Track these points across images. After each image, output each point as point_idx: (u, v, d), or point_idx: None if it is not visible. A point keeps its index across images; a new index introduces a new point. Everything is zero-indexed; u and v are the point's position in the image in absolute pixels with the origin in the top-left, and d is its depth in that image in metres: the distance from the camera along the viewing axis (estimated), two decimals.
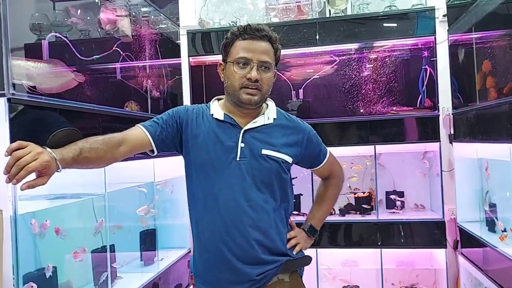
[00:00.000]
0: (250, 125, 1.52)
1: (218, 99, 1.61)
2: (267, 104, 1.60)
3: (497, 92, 2.28)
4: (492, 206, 2.56)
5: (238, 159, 1.47)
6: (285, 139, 1.55)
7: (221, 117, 1.52)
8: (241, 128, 1.51)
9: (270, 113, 1.57)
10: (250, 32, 1.47)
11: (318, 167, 1.70)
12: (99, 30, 2.03)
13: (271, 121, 1.55)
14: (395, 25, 3.08)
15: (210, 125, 1.52)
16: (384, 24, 3.10)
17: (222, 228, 1.46)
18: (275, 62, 1.53)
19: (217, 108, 1.56)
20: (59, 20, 1.80)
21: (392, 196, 3.28)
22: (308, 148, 1.61)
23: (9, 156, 1.14)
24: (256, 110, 1.55)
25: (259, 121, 1.53)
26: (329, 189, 1.77)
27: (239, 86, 1.47)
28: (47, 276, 1.50)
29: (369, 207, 3.26)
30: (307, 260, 1.64)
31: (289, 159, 1.54)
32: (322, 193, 1.78)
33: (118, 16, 2.07)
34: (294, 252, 1.60)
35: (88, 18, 1.94)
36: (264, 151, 1.49)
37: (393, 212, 3.22)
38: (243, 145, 1.48)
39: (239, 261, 1.46)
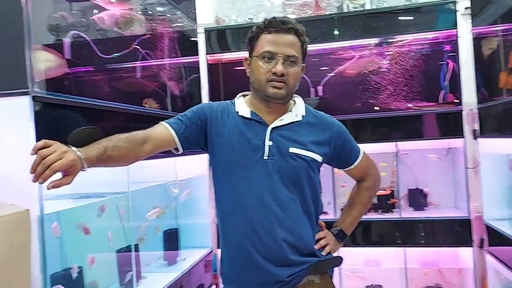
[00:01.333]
0: (277, 123, 1.47)
1: (244, 95, 1.57)
2: (295, 101, 1.55)
3: None
4: None
5: (266, 157, 1.43)
6: (313, 137, 1.49)
7: (247, 115, 1.48)
8: (268, 126, 1.46)
9: (298, 110, 1.52)
10: (275, 25, 1.42)
11: (350, 167, 1.63)
12: (116, 29, 2.02)
13: (299, 118, 1.50)
14: (415, 18, 3.01)
15: (236, 123, 1.48)
16: (404, 18, 3.03)
17: (249, 227, 1.42)
18: (302, 55, 1.47)
19: (242, 105, 1.51)
20: (76, 20, 1.80)
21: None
22: (337, 146, 1.55)
23: (35, 155, 1.13)
24: (283, 107, 1.50)
25: (287, 118, 1.48)
26: (362, 192, 1.69)
27: (265, 80, 1.42)
28: (74, 277, 1.49)
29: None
30: (338, 260, 1.58)
31: (318, 158, 1.48)
32: (354, 197, 1.70)
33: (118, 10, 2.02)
34: (324, 253, 1.54)
35: (106, 18, 1.93)
36: (292, 149, 1.44)
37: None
38: (270, 143, 1.44)
39: (267, 261, 1.41)
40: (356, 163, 1.62)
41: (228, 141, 1.46)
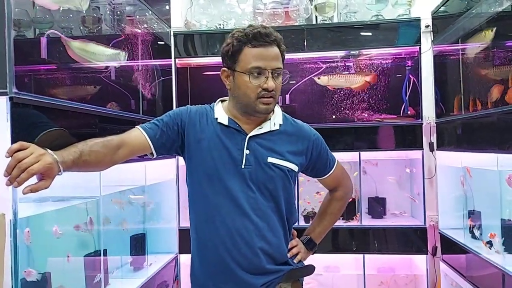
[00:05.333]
0: (255, 132, 1.47)
1: (222, 101, 1.55)
2: (274, 110, 1.53)
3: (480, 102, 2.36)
4: (477, 213, 2.62)
5: (243, 166, 1.43)
6: (291, 147, 1.50)
7: (226, 122, 1.47)
8: (246, 134, 1.46)
9: (276, 119, 1.51)
10: (260, 39, 1.39)
11: (324, 177, 1.65)
12: (81, 28, 1.98)
13: (277, 127, 1.50)
14: (381, 34, 3.13)
15: (215, 130, 1.46)
16: (371, 33, 3.15)
17: (227, 237, 1.41)
18: (283, 64, 1.47)
19: (221, 112, 1.50)
20: (40, 16, 1.75)
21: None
22: (313, 155, 1.56)
23: (10, 158, 1.10)
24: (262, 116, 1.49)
25: (265, 127, 1.48)
26: (334, 202, 1.70)
27: (255, 97, 1.41)
28: (38, 280, 1.44)
29: None
30: (311, 269, 1.60)
31: (294, 168, 1.49)
32: (325, 206, 1.72)
33: None
34: (295, 261, 1.56)
35: (71, 15, 1.89)
36: (270, 159, 1.45)
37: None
38: (248, 152, 1.44)
39: (243, 271, 1.42)
40: (330, 173, 1.64)
41: (207, 148, 1.45)
